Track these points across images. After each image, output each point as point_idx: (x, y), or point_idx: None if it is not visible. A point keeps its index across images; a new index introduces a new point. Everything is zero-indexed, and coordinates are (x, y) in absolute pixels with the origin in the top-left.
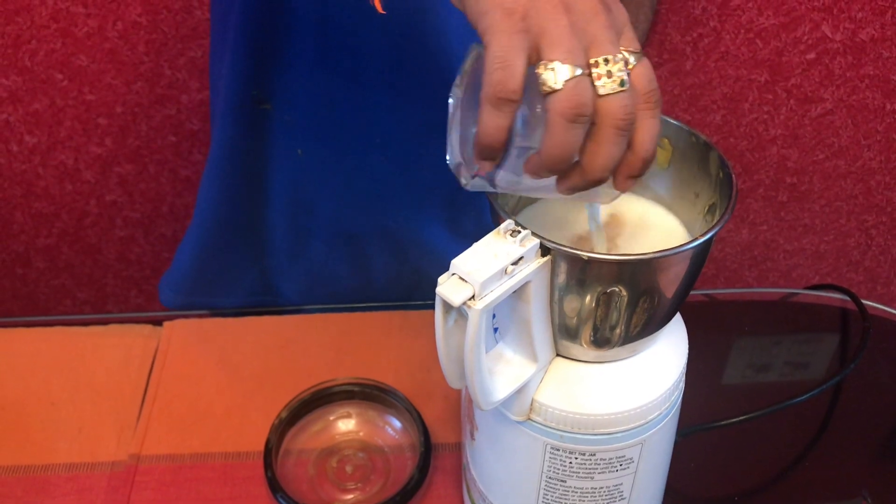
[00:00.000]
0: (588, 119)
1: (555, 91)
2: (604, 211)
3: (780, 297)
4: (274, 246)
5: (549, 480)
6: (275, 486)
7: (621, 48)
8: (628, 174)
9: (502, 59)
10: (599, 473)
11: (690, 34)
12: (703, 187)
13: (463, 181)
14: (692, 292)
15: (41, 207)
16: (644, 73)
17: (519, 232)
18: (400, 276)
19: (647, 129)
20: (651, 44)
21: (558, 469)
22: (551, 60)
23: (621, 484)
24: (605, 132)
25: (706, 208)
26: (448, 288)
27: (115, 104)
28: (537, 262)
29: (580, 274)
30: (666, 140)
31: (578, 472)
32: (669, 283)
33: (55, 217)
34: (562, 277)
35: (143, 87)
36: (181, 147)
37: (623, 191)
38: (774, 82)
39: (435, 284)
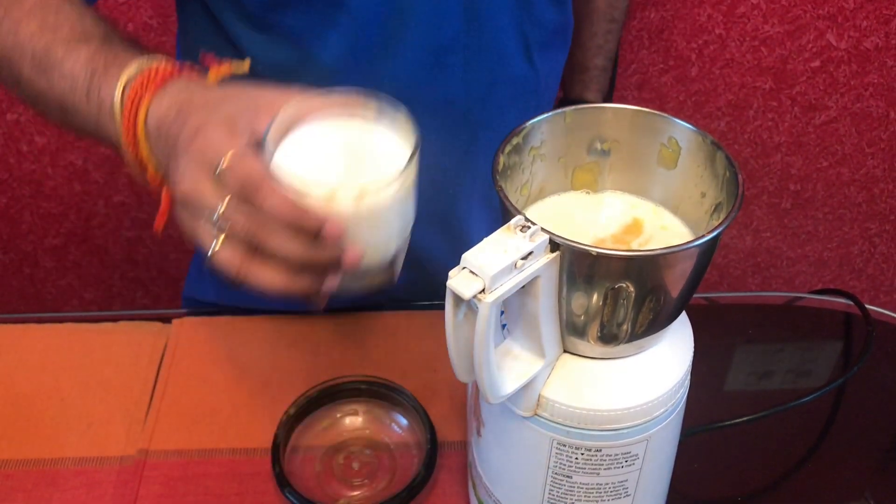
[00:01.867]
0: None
1: None
2: (623, 213)
3: (784, 302)
4: None
5: (555, 476)
6: (282, 481)
7: None
8: None
9: None
10: (605, 469)
11: (696, 41)
12: (709, 187)
13: None
14: (697, 296)
15: (49, 207)
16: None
17: (529, 227)
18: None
19: None
20: (657, 50)
21: (564, 465)
22: None
23: (626, 480)
24: None
25: (712, 208)
26: (459, 281)
27: None
28: (546, 258)
29: (588, 270)
30: (674, 140)
31: (584, 468)
32: (676, 280)
33: (63, 217)
34: (570, 273)
35: None
36: None
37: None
38: (779, 90)
39: (436, 285)
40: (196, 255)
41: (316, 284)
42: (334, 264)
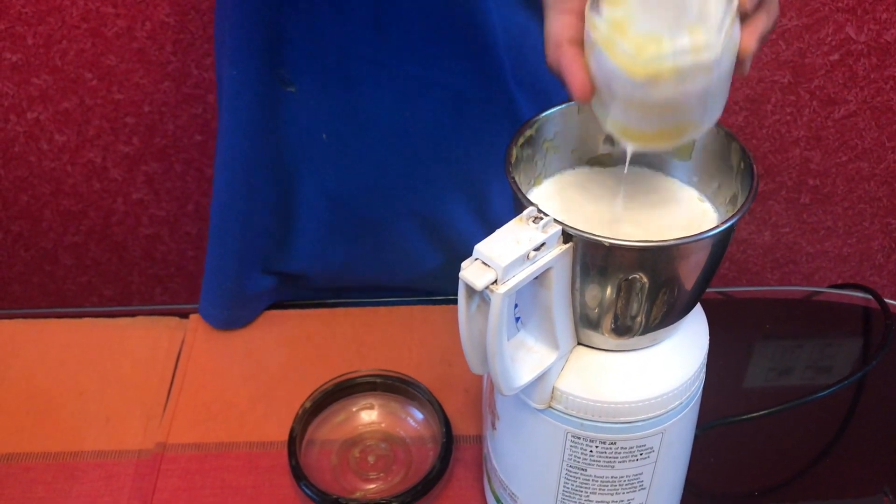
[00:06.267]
0: None
1: None
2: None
3: (803, 296)
4: (301, 234)
5: (570, 469)
6: (298, 474)
7: None
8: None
9: None
10: (620, 462)
11: None
12: (724, 178)
13: None
14: (715, 290)
15: (69, 205)
16: None
17: (541, 218)
18: (426, 266)
19: None
20: None
21: (579, 458)
22: None
23: (641, 473)
24: None
25: (727, 199)
26: (471, 272)
27: (142, 103)
28: (559, 249)
29: (602, 261)
30: None
31: (599, 461)
32: (690, 272)
33: (83, 215)
34: (583, 264)
35: (170, 86)
36: (207, 146)
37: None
38: (797, 84)
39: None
40: (207, 275)
41: None
42: None
